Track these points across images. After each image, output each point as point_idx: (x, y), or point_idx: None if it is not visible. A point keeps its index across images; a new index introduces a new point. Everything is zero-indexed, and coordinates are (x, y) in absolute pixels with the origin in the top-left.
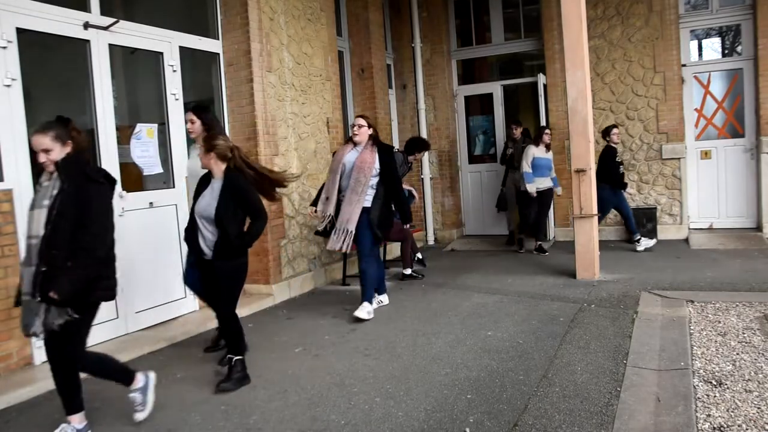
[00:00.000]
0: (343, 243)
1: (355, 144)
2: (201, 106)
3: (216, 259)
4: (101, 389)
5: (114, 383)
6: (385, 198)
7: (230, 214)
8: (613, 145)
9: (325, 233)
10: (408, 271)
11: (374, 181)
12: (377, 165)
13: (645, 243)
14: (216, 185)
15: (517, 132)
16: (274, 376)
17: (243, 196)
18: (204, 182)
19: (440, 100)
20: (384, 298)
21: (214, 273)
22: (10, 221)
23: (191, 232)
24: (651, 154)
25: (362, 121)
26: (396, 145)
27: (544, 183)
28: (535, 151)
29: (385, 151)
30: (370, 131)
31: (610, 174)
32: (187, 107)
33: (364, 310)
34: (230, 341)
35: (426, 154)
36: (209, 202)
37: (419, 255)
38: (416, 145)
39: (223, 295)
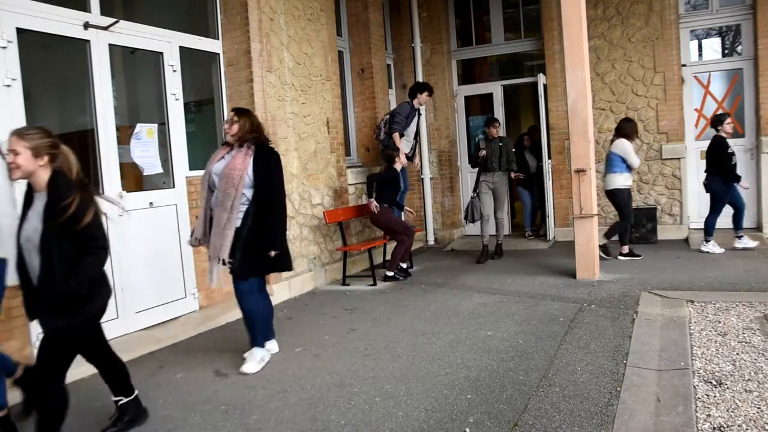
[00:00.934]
0: (214, 276)
1: (231, 146)
2: None
3: (41, 317)
4: (101, 388)
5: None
6: (259, 215)
7: (56, 244)
8: (725, 135)
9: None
10: (390, 273)
11: (250, 193)
12: (250, 172)
13: (744, 242)
14: (39, 203)
15: (495, 131)
16: (274, 376)
17: (72, 217)
18: (29, 199)
19: (440, 100)
20: (272, 345)
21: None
22: None
23: (22, 266)
24: (651, 154)
25: (234, 116)
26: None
27: (629, 181)
28: (631, 146)
29: (263, 154)
30: (248, 128)
31: (723, 166)
32: None
33: (255, 360)
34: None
35: (429, 98)
36: (35, 226)
37: (404, 265)
38: (416, 87)
39: (51, 361)
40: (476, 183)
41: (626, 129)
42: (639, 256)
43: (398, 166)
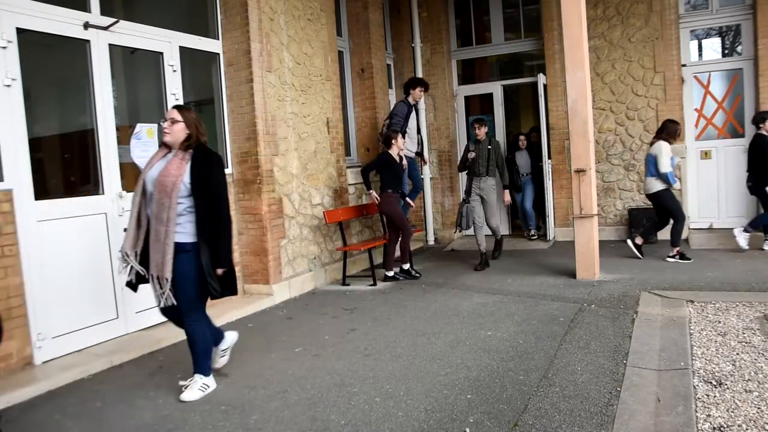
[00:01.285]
0: (164, 297)
1: (169, 148)
2: None
3: None
4: (102, 388)
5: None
6: (199, 230)
7: None
8: (766, 132)
9: (133, 284)
10: (390, 273)
11: (190, 202)
12: (187, 180)
13: None
14: None
15: (481, 132)
16: (274, 376)
17: None
18: None
19: (440, 100)
20: (210, 382)
21: None
22: (10, 221)
23: None
24: None
25: (176, 114)
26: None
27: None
28: (669, 149)
29: (203, 158)
30: (188, 131)
31: (765, 166)
32: None
33: (196, 387)
34: None
35: (424, 94)
36: None
37: (405, 266)
38: (410, 83)
39: None
40: (467, 188)
41: (668, 129)
42: (641, 257)
43: (395, 150)
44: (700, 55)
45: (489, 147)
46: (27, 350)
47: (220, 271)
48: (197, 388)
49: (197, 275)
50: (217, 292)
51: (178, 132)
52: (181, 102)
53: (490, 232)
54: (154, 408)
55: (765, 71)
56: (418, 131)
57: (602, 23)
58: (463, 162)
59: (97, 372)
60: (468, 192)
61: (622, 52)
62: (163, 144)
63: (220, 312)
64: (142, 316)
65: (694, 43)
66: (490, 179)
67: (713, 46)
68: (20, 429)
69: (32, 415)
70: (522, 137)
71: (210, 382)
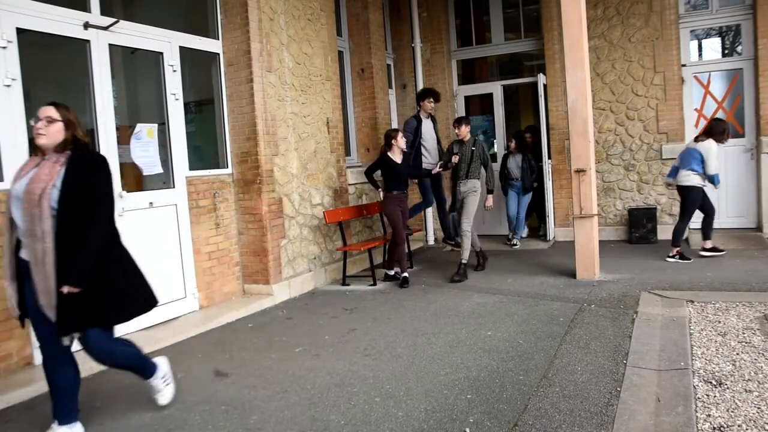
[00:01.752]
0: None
1: (44, 154)
2: None
3: None
4: (101, 388)
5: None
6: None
7: None
8: None
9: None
10: (391, 273)
11: (65, 216)
12: (59, 183)
13: None
14: None
15: (462, 131)
16: (274, 376)
17: None
18: None
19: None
20: (160, 370)
21: None
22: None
23: None
24: (651, 154)
25: (53, 112)
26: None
27: (704, 181)
28: (717, 150)
29: (83, 161)
30: (66, 133)
31: None
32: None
33: (160, 387)
34: None
35: (433, 104)
36: None
37: (397, 270)
38: (419, 95)
39: None
40: (452, 197)
41: (718, 129)
42: (723, 251)
43: (395, 150)
44: (700, 55)
45: (473, 148)
46: (27, 350)
47: (66, 289)
48: (162, 387)
49: (99, 296)
50: (68, 325)
51: (55, 133)
52: (180, 102)
53: (479, 233)
54: (154, 408)
55: (765, 71)
56: (439, 142)
57: (602, 23)
58: (444, 162)
59: (96, 372)
60: (454, 201)
61: (622, 52)
62: (35, 151)
63: (220, 312)
64: (142, 316)
65: (694, 43)
66: (471, 181)
67: (713, 46)
68: (20, 429)
69: (32, 414)
70: (513, 140)
71: (161, 371)
